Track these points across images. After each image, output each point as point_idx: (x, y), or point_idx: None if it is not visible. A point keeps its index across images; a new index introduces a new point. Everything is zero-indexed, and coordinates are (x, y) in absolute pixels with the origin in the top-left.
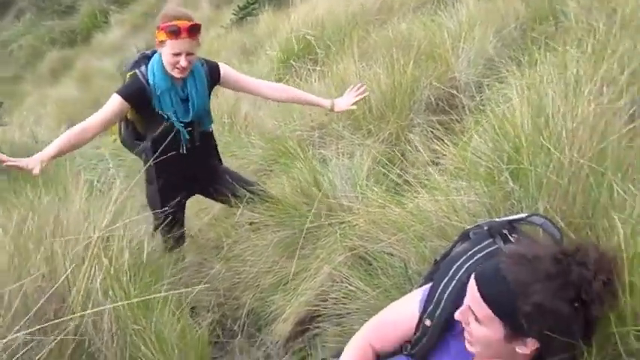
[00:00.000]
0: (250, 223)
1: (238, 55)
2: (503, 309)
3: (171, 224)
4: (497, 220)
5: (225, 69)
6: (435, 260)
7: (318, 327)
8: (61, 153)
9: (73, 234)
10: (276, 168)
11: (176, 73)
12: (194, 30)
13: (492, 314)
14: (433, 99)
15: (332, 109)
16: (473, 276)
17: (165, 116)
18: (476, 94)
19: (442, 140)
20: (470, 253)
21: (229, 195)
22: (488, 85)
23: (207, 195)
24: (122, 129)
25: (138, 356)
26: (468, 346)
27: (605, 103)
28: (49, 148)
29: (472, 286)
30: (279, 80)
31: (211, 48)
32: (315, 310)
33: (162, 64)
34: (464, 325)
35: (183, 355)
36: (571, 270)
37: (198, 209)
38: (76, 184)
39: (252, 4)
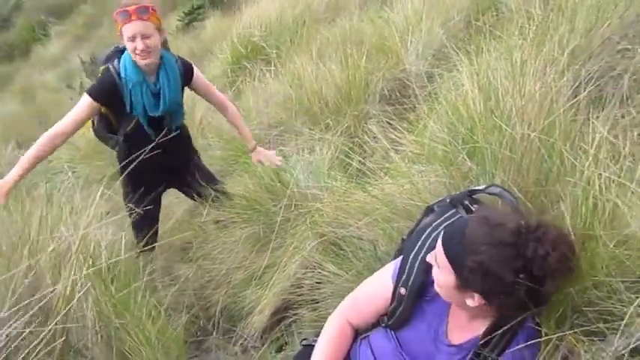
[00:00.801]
0: (217, 222)
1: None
2: (454, 260)
3: (146, 220)
4: (458, 193)
5: (198, 73)
6: (402, 239)
7: (294, 314)
8: (25, 172)
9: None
10: (237, 168)
11: (138, 59)
12: (143, 11)
13: (447, 262)
14: (387, 90)
15: (251, 150)
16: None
17: (133, 110)
18: (427, 83)
19: (398, 129)
20: (435, 223)
21: (195, 194)
22: (439, 74)
23: (181, 187)
24: (95, 121)
25: (124, 350)
26: (435, 287)
27: (549, 82)
28: (13, 172)
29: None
30: (232, 82)
31: None
32: (290, 298)
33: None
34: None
35: (166, 350)
36: (528, 244)
37: (162, 215)
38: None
39: (197, 9)
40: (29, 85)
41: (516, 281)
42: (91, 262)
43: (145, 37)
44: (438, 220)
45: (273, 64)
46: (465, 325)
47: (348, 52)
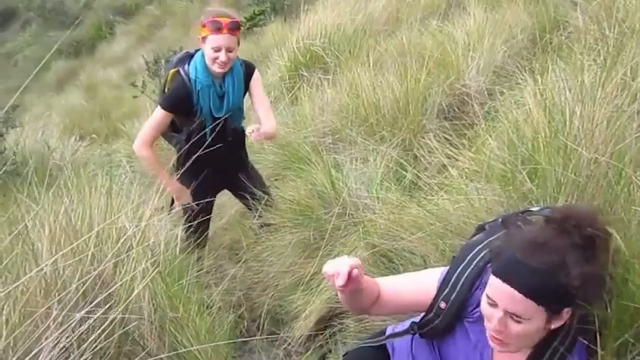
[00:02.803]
0: (268, 225)
1: None
2: (547, 293)
3: (200, 218)
4: (511, 212)
5: (257, 75)
6: (453, 256)
7: (340, 323)
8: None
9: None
10: (290, 173)
11: (216, 68)
12: (234, 26)
13: (535, 304)
14: (445, 105)
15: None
16: (498, 281)
17: (199, 111)
18: (487, 100)
19: (455, 144)
20: (486, 241)
21: (248, 197)
22: (499, 91)
23: (234, 189)
24: None
25: (176, 342)
26: (499, 348)
27: (620, 105)
28: (165, 176)
29: (502, 290)
30: (290, 89)
31: None
32: (337, 307)
33: (204, 61)
34: (494, 334)
35: (214, 347)
36: (570, 233)
37: (214, 214)
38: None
39: (259, 14)
40: (93, 80)
41: (599, 267)
42: (150, 256)
43: (229, 50)
44: (489, 239)
45: (331, 73)
46: None
47: (407, 65)
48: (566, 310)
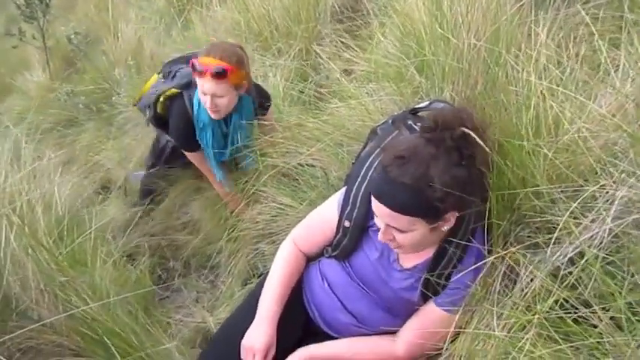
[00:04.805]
0: None
1: None
2: (418, 208)
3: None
4: (399, 112)
5: (271, 110)
6: (352, 163)
7: (254, 250)
8: None
9: None
10: None
11: (210, 112)
12: (219, 74)
13: (412, 218)
14: (337, 7)
15: None
16: (372, 196)
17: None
18: None
19: (352, 48)
20: (377, 151)
21: None
22: None
23: None
24: (149, 114)
25: (71, 307)
26: (399, 250)
27: None
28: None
29: (379, 206)
30: (180, 12)
31: None
32: (248, 234)
33: None
34: (388, 243)
35: (125, 299)
36: (443, 138)
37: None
38: None
39: None
40: None
41: (466, 170)
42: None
43: (216, 96)
44: (380, 148)
45: None
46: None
47: None
48: (448, 214)
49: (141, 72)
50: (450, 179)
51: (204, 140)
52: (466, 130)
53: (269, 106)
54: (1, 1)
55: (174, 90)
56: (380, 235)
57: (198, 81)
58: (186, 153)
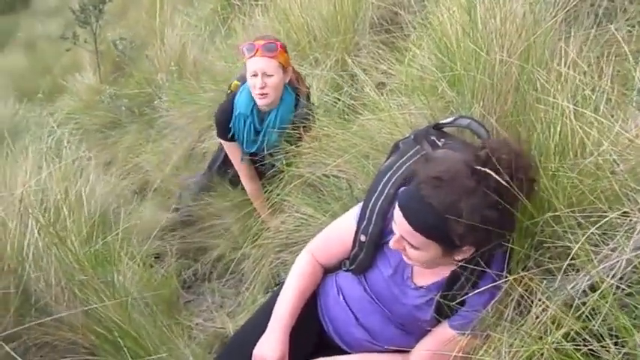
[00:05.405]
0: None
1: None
2: (436, 233)
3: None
4: (422, 127)
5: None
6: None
7: (277, 259)
8: None
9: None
10: None
11: (257, 99)
12: (270, 48)
13: (427, 240)
14: (376, 19)
15: None
16: (397, 205)
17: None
18: (419, 10)
19: (388, 60)
20: (397, 164)
21: None
22: None
23: None
24: None
25: (88, 304)
26: (408, 261)
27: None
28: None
29: (399, 217)
30: (224, 21)
31: None
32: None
33: None
34: (400, 251)
35: (149, 299)
36: (488, 177)
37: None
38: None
39: None
40: (32, 36)
41: (499, 215)
42: (42, 217)
43: (266, 74)
44: (400, 161)
45: None
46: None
47: None
48: (465, 247)
49: (182, 78)
50: (479, 219)
51: (235, 126)
52: (517, 181)
53: (310, 114)
54: (61, 6)
55: (236, 82)
56: (392, 243)
57: (249, 64)
58: (223, 142)
